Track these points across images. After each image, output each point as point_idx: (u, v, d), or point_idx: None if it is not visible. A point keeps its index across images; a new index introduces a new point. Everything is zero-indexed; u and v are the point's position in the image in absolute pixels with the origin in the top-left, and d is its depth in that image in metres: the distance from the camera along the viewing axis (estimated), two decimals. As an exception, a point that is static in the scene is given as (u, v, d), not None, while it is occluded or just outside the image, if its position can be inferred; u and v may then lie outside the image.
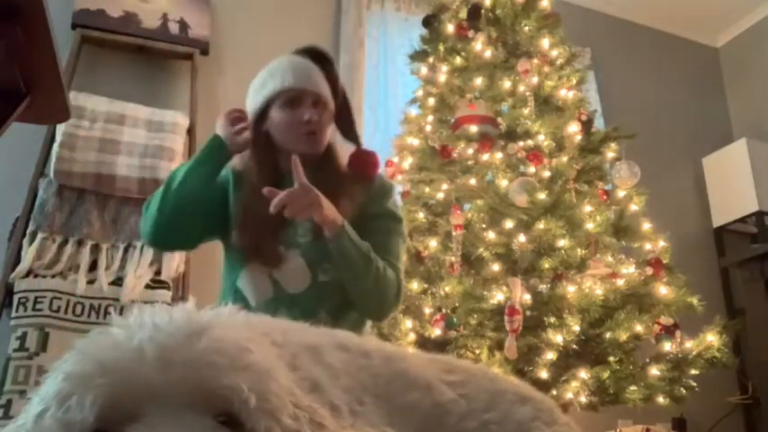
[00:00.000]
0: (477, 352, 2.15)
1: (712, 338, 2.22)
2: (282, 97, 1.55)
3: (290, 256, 1.47)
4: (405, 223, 1.66)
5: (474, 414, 0.85)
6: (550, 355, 2.08)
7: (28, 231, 2.40)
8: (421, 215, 2.60)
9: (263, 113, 1.57)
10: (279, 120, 1.55)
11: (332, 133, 1.64)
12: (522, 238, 2.28)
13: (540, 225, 2.27)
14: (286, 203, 1.36)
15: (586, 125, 2.63)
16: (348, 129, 1.70)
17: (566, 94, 2.70)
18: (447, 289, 2.26)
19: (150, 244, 1.66)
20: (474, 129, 2.62)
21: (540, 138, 2.52)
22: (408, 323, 2.29)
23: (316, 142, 1.55)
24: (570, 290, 2.16)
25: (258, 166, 1.55)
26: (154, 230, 1.49)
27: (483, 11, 2.84)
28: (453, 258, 2.35)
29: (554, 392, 2.08)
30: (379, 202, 1.59)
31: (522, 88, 2.65)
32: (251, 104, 1.60)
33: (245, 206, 1.51)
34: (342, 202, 1.48)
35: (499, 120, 2.67)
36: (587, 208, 2.41)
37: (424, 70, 2.90)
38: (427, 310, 2.31)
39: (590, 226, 2.35)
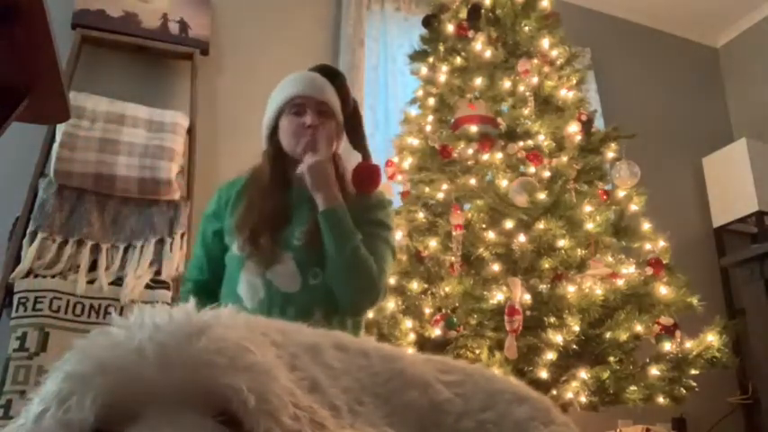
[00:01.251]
0: (477, 352, 2.15)
1: (712, 338, 2.22)
2: (288, 106, 1.62)
3: (284, 258, 1.51)
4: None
5: (471, 414, 0.85)
6: (550, 355, 2.08)
7: (28, 231, 2.40)
8: (421, 215, 2.60)
9: (275, 125, 1.65)
10: (284, 127, 1.63)
11: (339, 144, 1.70)
12: (522, 238, 2.28)
13: (540, 225, 2.27)
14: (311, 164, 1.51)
15: (586, 125, 2.63)
16: (357, 140, 1.75)
17: (566, 94, 2.70)
18: (447, 289, 2.26)
19: None
20: (474, 129, 2.62)
21: (540, 138, 2.52)
22: (408, 323, 2.29)
23: (315, 148, 1.58)
24: (570, 290, 2.16)
25: (268, 173, 1.62)
26: None
27: (483, 11, 2.84)
28: (453, 258, 2.35)
29: (554, 392, 2.09)
30: (373, 211, 1.64)
31: (522, 88, 2.65)
32: (265, 119, 1.69)
33: (250, 204, 1.57)
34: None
35: (499, 120, 2.67)
36: (587, 208, 2.41)
37: (424, 70, 2.90)
38: (427, 310, 2.31)
39: (590, 226, 2.35)
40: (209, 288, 1.63)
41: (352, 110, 1.74)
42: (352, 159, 1.76)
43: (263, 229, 1.52)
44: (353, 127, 1.74)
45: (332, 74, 1.72)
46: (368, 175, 1.66)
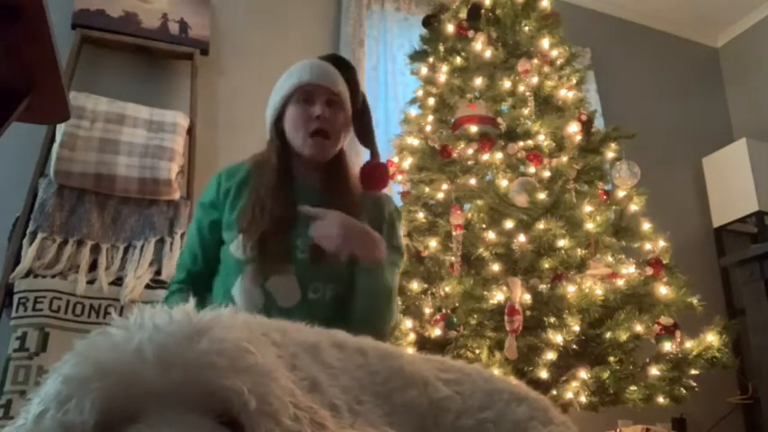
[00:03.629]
0: (477, 352, 2.15)
1: (712, 338, 2.21)
2: (297, 94, 1.54)
3: (285, 269, 1.45)
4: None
5: (470, 412, 0.85)
6: (550, 356, 2.08)
7: (28, 231, 2.40)
8: (421, 215, 2.60)
9: (281, 113, 1.56)
10: (291, 115, 1.54)
11: (346, 138, 1.62)
12: (522, 238, 2.28)
13: (540, 225, 2.27)
14: (353, 250, 1.40)
15: (586, 125, 2.62)
16: (366, 136, 1.66)
17: (566, 94, 2.70)
18: (447, 289, 2.26)
19: None
20: (474, 129, 2.62)
21: (540, 138, 2.52)
22: (408, 323, 2.28)
23: (322, 145, 1.52)
24: (570, 290, 2.16)
25: (274, 167, 1.52)
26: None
27: (483, 11, 2.84)
28: (453, 258, 2.35)
29: (554, 392, 2.08)
30: (392, 231, 1.60)
31: (522, 88, 2.65)
32: (271, 105, 1.60)
33: (258, 203, 1.48)
34: (354, 216, 1.48)
35: (499, 120, 2.67)
36: (587, 208, 2.40)
37: (424, 70, 2.90)
38: (427, 310, 2.31)
39: (590, 226, 2.35)
40: (201, 279, 1.56)
41: (361, 104, 1.65)
42: (353, 157, 1.73)
43: (271, 235, 1.44)
44: (363, 122, 1.65)
45: (343, 65, 1.64)
46: (376, 174, 1.60)
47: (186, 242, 1.63)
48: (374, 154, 1.63)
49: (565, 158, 2.50)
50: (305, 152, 1.52)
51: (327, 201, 1.50)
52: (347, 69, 1.63)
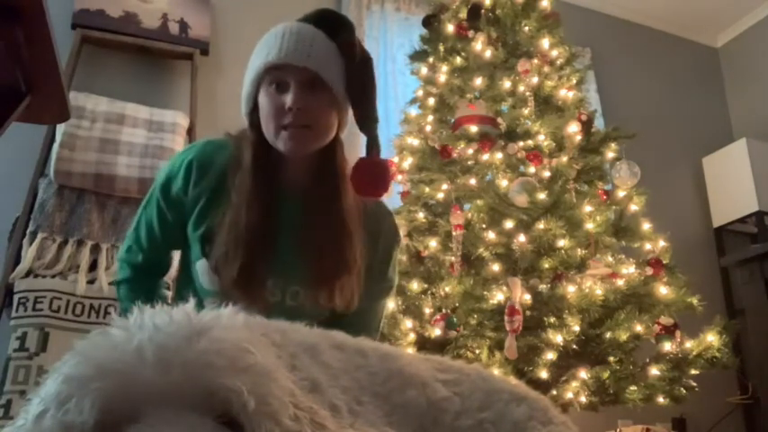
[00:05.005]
0: (477, 352, 2.15)
1: (712, 338, 2.21)
2: (268, 77, 1.22)
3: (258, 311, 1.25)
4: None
5: (469, 412, 0.85)
6: (550, 355, 2.08)
7: (28, 231, 2.40)
8: (421, 215, 2.60)
9: (256, 100, 1.26)
10: (262, 104, 1.23)
11: (343, 125, 1.30)
12: (522, 238, 2.28)
13: (540, 225, 2.27)
14: None
15: (586, 125, 2.62)
16: (364, 118, 1.26)
17: (566, 94, 2.70)
18: (447, 289, 2.26)
19: None
20: (474, 129, 2.62)
21: (540, 138, 2.52)
22: (408, 323, 2.28)
23: (298, 140, 1.20)
24: (570, 290, 2.16)
25: (252, 171, 1.23)
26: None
27: (483, 11, 2.84)
28: (453, 258, 2.35)
29: (554, 392, 2.08)
30: (386, 264, 1.37)
31: (522, 88, 2.65)
32: (243, 90, 1.29)
33: (234, 226, 1.21)
34: (346, 225, 1.25)
35: (499, 120, 2.67)
36: (587, 208, 2.40)
37: (424, 70, 2.90)
38: (427, 310, 2.31)
39: (590, 226, 2.35)
40: (152, 270, 1.40)
41: (359, 70, 1.23)
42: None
43: (252, 264, 1.20)
44: (360, 96, 1.24)
45: (333, 24, 1.24)
46: (373, 175, 1.24)
47: (138, 221, 1.38)
48: (373, 146, 1.26)
49: (565, 158, 2.50)
50: (279, 147, 1.22)
51: (311, 208, 1.26)
52: (339, 30, 1.23)
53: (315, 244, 1.25)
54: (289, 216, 1.27)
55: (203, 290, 1.30)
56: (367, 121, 1.26)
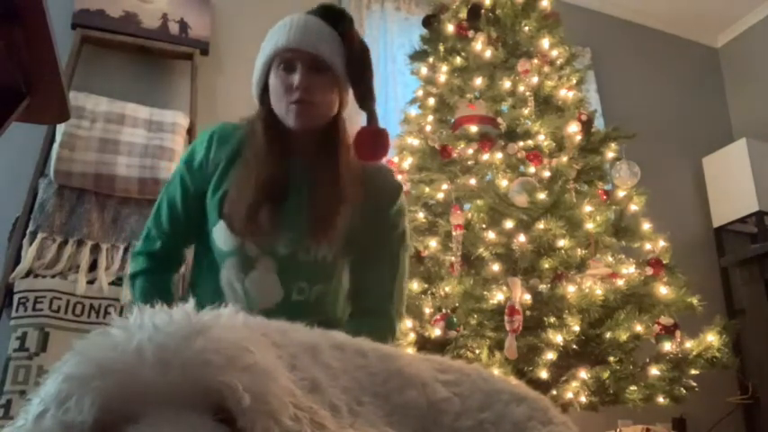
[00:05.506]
0: (477, 352, 2.15)
1: (712, 338, 2.21)
2: (277, 60, 1.38)
3: (265, 263, 1.36)
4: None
5: (469, 413, 0.85)
6: (550, 355, 2.08)
7: (28, 231, 2.40)
8: (421, 215, 2.60)
9: (266, 83, 1.41)
10: (272, 85, 1.39)
11: (344, 104, 1.45)
12: (522, 238, 2.28)
13: (540, 225, 2.27)
14: None
15: (586, 125, 2.63)
16: (364, 97, 1.45)
17: (566, 94, 2.70)
18: (447, 289, 2.26)
19: None
20: (474, 129, 2.62)
21: (540, 138, 2.52)
22: (408, 323, 2.28)
23: (305, 115, 1.36)
24: (570, 290, 2.16)
25: (261, 133, 1.39)
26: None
27: (483, 11, 2.84)
28: (453, 258, 2.35)
29: (554, 392, 2.08)
30: (396, 220, 1.47)
31: (522, 88, 2.65)
32: (255, 74, 1.45)
33: (246, 173, 1.36)
34: (346, 197, 1.36)
35: (499, 120, 2.67)
36: (587, 208, 2.41)
37: (424, 70, 2.90)
38: (427, 310, 2.31)
39: (590, 226, 2.35)
40: (168, 260, 1.45)
41: (359, 60, 1.42)
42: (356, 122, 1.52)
43: (261, 203, 1.32)
44: (359, 78, 1.43)
45: (335, 16, 1.43)
46: (372, 141, 1.42)
47: (160, 203, 1.47)
48: (372, 119, 1.44)
49: (565, 158, 2.50)
50: (288, 122, 1.37)
51: (315, 173, 1.39)
52: (340, 22, 1.42)
53: (318, 198, 1.38)
54: (296, 181, 1.39)
55: (222, 254, 1.38)
56: (365, 99, 1.44)
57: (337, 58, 1.39)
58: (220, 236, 1.38)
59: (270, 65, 1.39)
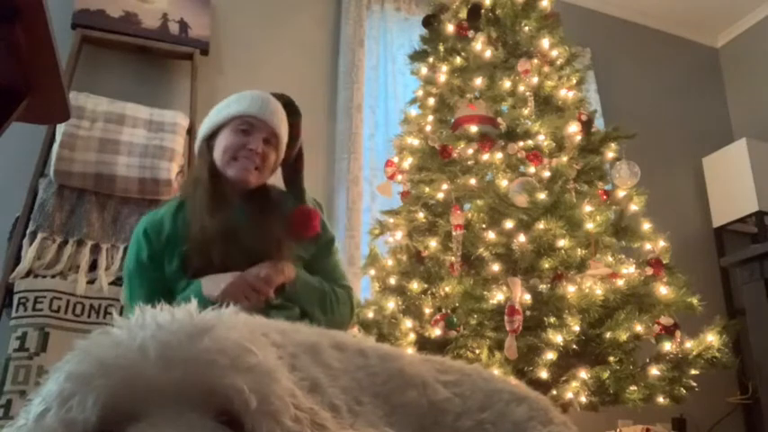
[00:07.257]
0: (477, 352, 2.15)
1: (712, 338, 2.21)
2: (239, 121, 1.57)
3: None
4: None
5: (469, 413, 0.85)
6: (550, 355, 2.08)
7: (28, 231, 2.40)
8: (421, 215, 2.60)
9: (215, 132, 1.60)
10: (225, 138, 1.58)
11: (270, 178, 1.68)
12: (522, 238, 2.28)
13: (540, 225, 2.27)
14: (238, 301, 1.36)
15: (586, 125, 2.62)
16: (293, 181, 1.72)
17: (566, 94, 2.70)
18: (447, 289, 2.26)
19: None
20: (474, 129, 2.62)
21: (540, 138, 2.52)
22: (408, 323, 2.28)
23: (249, 169, 1.55)
24: (570, 290, 2.16)
25: (206, 185, 1.55)
26: None
27: (483, 11, 2.84)
28: (453, 258, 2.35)
29: (554, 392, 2.08)
30: (323, 232, 1.68)
31: (522, 88, 2.64)
32: (208, 122, 1.63)
33: (194, 238, 1.50)
34: (280, 236, 1.55)
35: (499, 120, 2.67)
36: (587, 208, 2.40)
37: (424, 70, 2.90)
38: (427, 310, 2.31)
39: (590, 226, 2.35)
40: None
41: (297, 152, 1.72)
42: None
43: (212, 243, 1.48)
44: (295, 170, 1.71)
45: (291, 110, 1.69)
46: (304, 219, 1.62)
47: (132, 300, 1.60)
48: (302, 198, 1.69)
49: (565, 158, 2.50)
50: (228, 173, 1.56)
51: (254, 220, 1.56)
52: (294, 115, 1.68)
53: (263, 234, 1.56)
54: (237, 216, 1.57)
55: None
56: (295, 182, 1.71)
57: (284, 144, 1.65)
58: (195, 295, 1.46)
59: (224, 125, 1.59)
